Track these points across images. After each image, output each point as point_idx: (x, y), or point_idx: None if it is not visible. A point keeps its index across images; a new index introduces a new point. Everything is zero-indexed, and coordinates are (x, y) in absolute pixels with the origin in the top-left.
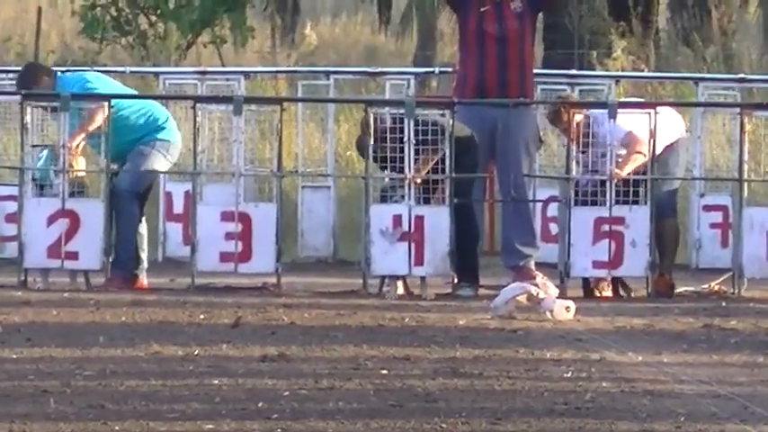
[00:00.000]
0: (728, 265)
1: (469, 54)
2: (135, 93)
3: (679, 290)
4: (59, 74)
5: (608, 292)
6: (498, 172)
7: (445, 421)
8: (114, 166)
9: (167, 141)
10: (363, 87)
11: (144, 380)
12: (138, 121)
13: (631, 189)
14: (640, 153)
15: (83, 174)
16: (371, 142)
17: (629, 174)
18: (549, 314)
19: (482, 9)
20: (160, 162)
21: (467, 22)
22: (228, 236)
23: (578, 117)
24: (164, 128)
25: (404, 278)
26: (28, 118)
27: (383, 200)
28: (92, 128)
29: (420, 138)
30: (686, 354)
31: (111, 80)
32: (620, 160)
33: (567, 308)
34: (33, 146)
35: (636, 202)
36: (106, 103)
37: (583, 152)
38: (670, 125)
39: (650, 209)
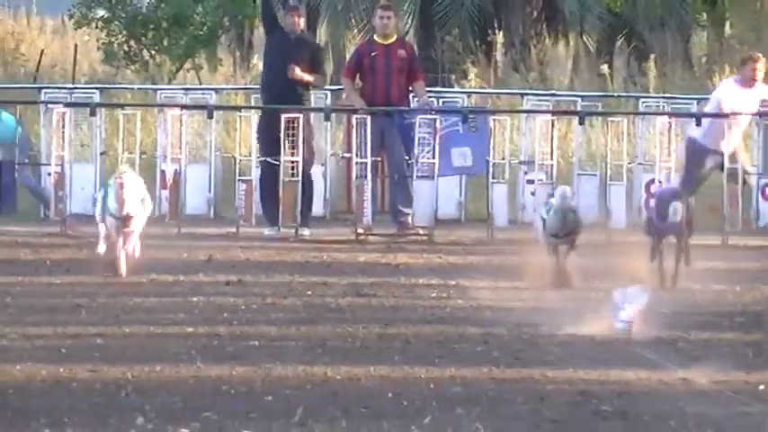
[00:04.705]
0: None
1: (366, 81)
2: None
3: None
4: None
5: None
6: (387, 157)
7: (350, 326)
8: None
9: None
10: None
11: (145, 297)
12: None
13: None
14: None
15: None
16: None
17: None
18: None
19: (373, 54)
20: None
21: (362, 62)
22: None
23: None
24: None
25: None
26: None
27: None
28: None
29: None
30: (514, 280)
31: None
32: None
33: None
34: None
35: None
36: None
37: None
38: None
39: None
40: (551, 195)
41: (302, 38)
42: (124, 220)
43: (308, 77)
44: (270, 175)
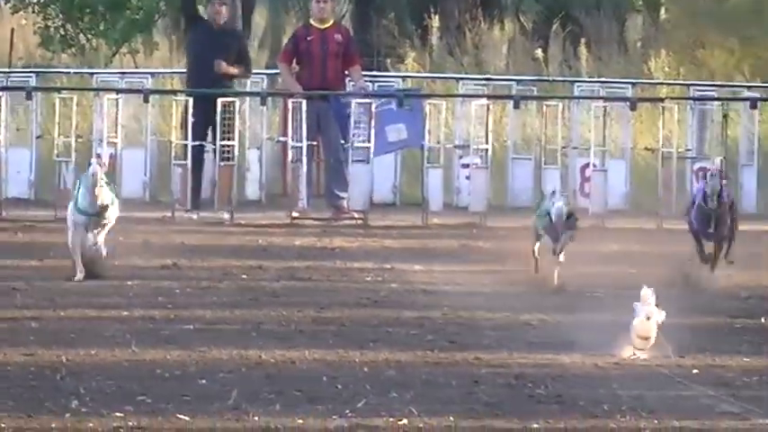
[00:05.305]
0: None
1: (302, 65)
2: None
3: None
4: None
5: None
6: (323, 141)
7: (286, 310)
8: None
9: None
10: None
11: (81, 281)
12: None
13: None
14: None
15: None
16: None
17: None
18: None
19: (309, 38)
20: None
21: (298, 46)
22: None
23: None
24: None
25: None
26: None
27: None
28: None
29: None
30: (449, 264)
31: None
32: None
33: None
34: None
35: None
36: None
37: None
38: None
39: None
40: (552, 194)
41: (226, 28)
42: (98, 215)
43: (233, 70)
44: (198, 160)
